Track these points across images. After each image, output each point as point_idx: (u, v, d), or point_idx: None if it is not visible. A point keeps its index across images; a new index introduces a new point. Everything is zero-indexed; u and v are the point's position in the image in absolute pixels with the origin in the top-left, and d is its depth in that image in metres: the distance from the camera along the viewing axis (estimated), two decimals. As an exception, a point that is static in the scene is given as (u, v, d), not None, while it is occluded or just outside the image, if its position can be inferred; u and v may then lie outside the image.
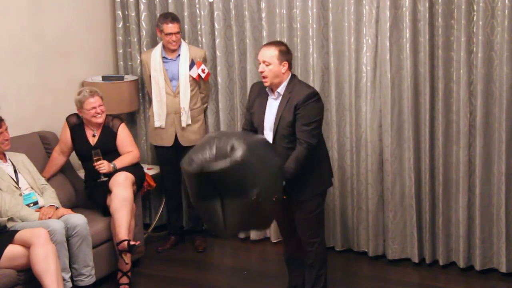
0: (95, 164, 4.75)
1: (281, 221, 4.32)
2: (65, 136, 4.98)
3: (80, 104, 4.87)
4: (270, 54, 3.98)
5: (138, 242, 4.60)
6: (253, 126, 4.19)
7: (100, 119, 4.89)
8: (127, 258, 4.59)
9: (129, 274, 4.71)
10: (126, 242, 4.53)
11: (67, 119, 5.01)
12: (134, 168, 4.93)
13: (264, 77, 4.01)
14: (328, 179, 4.25)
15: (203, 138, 3.97)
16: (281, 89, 4.02)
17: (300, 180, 4.02)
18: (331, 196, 5.19)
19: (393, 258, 5.06)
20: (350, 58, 4.97)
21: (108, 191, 4.76)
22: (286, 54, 4.00)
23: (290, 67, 4.04)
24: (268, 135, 4.07)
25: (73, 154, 5.08)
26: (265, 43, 5.15)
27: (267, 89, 4.09)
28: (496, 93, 4.61)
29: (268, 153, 3.85)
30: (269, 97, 4.09)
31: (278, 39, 5.14)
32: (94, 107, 4.85)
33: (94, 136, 4.95)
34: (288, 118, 3.96)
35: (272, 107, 4.06)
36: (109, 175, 4.80)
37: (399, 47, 4.83)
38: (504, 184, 4.63)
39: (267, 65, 3.98)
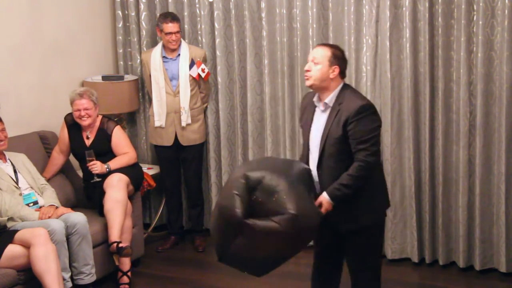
0: (88, 164, 4.76)
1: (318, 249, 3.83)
2: (63, 135, 4.98)
3: (70, 103, 4.89)
4: (322, 53, 3.52)
5: (126, 245, 4.60)
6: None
7: (84, 122, 4.87)
8: (116, 259, 4.60)
9: (129, 273, 4.71)
10: (115, 244, 4.55)
11: (65, 117, 5.02)
12: (130, 169, 4.92)
13: (307, 77, 3.54)
14: (382, 209, 3.66)
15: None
16: (330, 100, 3.52)
17: (348, 207, 3.51)
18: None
19: (393, 258, 5.06)
20: (350, 58, 4.96)
21: (104, 192, 4.76)
22: (339, 59, 3.53)
23: (342, 76, 3.56)
24: (314, 154, 3.58)
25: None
26: (264, 43, 5.18)
27: (314, 99, 3.59)
28: (496, 93, 4.61)
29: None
30: (316, 109, 3.61)
31: (278, 39, 5.15)
32: (79, 110, 4.84)
33: (88, 138, 4.95)
34: (336, 134, 3.46)
35: (320, 120, 3.57)
36: (103, 176, 4.79)
37: (399, 47, 4.83)
38: (504, 184, 4.63)
39: (315, 64, 3.52)
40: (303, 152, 3.73)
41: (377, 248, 3.70)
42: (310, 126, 3.62)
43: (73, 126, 4.97)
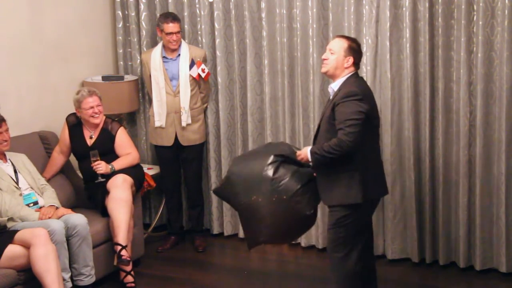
0: (93, 164, 4.76)
1: None
2: (64, 136, 4.98)
3: (78, 103, 4.87)
4: (339, 44, 3.89)
5: (128, 257, 4.59)
6: None
7: (97, 120, 4.89)
8: (115, 260, 4.60)
9: (132, 272, 4.71)
10: (119, 247, 4.55)
11: (67, 118, 5.02)
12: (133, 170, 4.93)
13: (324, 64, 3.93)
14: (363, 193, 3.84)
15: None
16: (336, 85, 3.91)
17: (329, 184, 3.89)
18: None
19: (393, 258, 5.06)
20: (350, 58, 4.97)
21: (107, 192, 4.76)
22: (355, 51, 3.89)
23: (356, 66, 3.91)
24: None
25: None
26: (264, 43, 5.18)
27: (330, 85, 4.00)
28: (496, 93, 4.61)
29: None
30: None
31: (278, 39, 5.16)
32: (92, 107, 4.85)
33: (91, 138, 4.95)
34: (328, 113, 3.86)
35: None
36: (107, 176, 4.79)
37: (399, 47, 4.83)
38: (504, 184, 4.63)
39: (331, 54, 3.90)
40: None
41: (346, 238, 3.90)
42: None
43: (75, 126, 4.97)
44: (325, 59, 3.92)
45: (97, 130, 4.96)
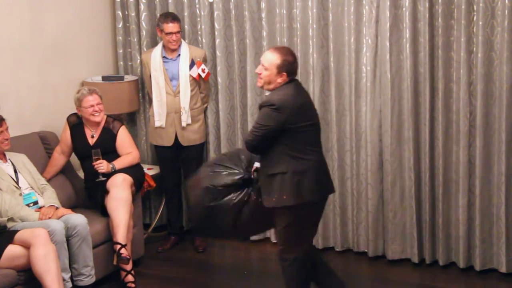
0: (94, 163, 4.76)
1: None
2: (65, 136, 4.98)
3: (78, 102, 4.88)
4: (272, 61, 3.87)
5: (127, 255, 4.59)
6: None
7: (97, 118, 4.90)
8: (115, 259, 4.60)
9: (132, 272, 4.71)
10: (119, 247, 4.55)
11: (68, 118, 5.02)
12: (133, 170, 4.93)
13: (258, 78, 3.96)
14: (296, 195, 3.85)
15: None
16: (268, 92, 4.03)
17: (266, 188, 3.93)
18: (331, 196, 5.17)
19: (393, 258, 5.06)
20: (350, 58, 4.97)
21: (106, 191, 4.76)
22: (288, 66, 3.87)
23: (289, 76, 3.90)
24: None
25: (73, 154, 5.08)
26: (264, 43, 5.17)
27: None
28: (496, 93, 4.61)
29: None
30: None
31: (278, 39, 5.15)
32: (92, 105, 4.86)
33: (92, 137, 4.95)
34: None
35: None
36: (108, 175, 4.80)
37: (399, 47, 4.83)
38: (504, 184, 4.63)
39: (265, 69, 3.89)
40: None
41: (291, 240, 3.97)
42: None
43: (76, 126, 4.98)
44: (259, 74, 3.92)
45: (99, 129, 4.97)
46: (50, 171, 4.96)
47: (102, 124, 4.98)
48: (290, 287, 4.08)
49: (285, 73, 3.87)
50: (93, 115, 4.88)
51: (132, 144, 5.06)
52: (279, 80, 3.88)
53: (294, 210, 3.87)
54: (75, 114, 5.01)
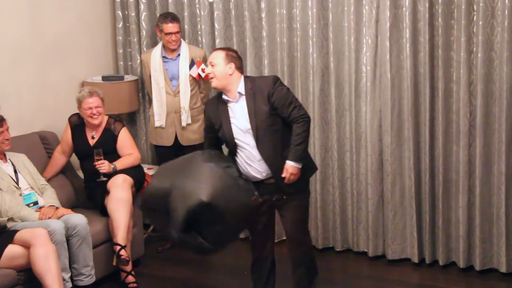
0: (96, 163, 4.76)
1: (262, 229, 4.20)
2: (67, 136, 4.99)
3: (79, 102, 4.89)
4: (216, 55, 4.00)
5: (127, 257, 4.58)
6: (218, 144, 4.16)
7: (96, 121, 4.89)
8: (115, 260, 4.60)
9: (133, 272, 4.71)
10: (118, 247, 4.55)
11: (69, 118, 5.03)
12: (134, 171, 4.93)
13: (211, 79, 4.00)
14: (313, 163, 4.22)
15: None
16: (241, 88, 3.99)
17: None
18: (331, 196, 5.19)
19: (393, 258, 5.06)
20: (350, 58, 4.97)
21: (106, 192, 4.76)
22: (233, 57, 4.01)
23: (240, 71, 4.02)
24: (247, 139, 3.98)
25: (73, 154, 5.09)
26: (264, 43, 5.18)
27: (224, 98, 4.02)
28: (496, 93, 4.61)
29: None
30: (228, 104, 4.02)
31: (278, 39, 5.16)
32: (91, 108, 4.86)
33: (93, 138, 4.96)
34: (264, 109, 3.93)
35: (237, 111, 4.00)
36: (109, 175, 4.80)
37: (399, 47, 4.83)
38: (504, 184, 4.63)
39: (213, 66, 3.98)
40: (229, 150, 4.08)
41: (305, 218, 4.19)
42: (229, 121, 4.00)
43: (77, 127, 4.98)
44: (209, 73, 4.01)
45: (100, 129, 4.97)
46: (51, 171, 4.96)
47: (103, 125, 4.98)
48: (313, 270, 4.21)
49: (233, 63, 3.98)
50: (91, 117, 4.88)
51: (133, 146, 5.06)
52: (230, 71, 3.96)
53: (308, 187, 4.14)
54: (77, 114, 5.02)
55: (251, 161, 3.98)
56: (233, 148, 4.02)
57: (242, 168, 4.01)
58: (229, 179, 3.89)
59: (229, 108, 4.02)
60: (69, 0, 5.43)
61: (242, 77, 4.02)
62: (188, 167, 3.91)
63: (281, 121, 3.96)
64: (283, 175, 3.91)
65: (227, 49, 4.10)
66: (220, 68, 3.96)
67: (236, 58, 4.03)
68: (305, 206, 4.16)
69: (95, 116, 4.88)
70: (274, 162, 3.94)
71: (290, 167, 3.90)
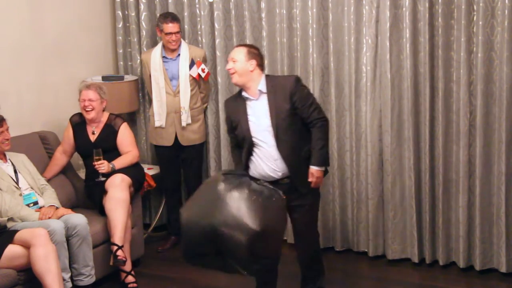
0: (95, 163, 4.76)
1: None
2: (68, 135, 4.99)
3: (79, 93, 4.92)
4: (238, 52, 4.05)
5: (123, 258, 4.58)
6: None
7: (89, 115, 4.90)
8: (111, 260, 4.60)
9: (132, 272, 4.71)
10: (115, 247, 4.55)
11: (70, 118, 5.04)
12: (133, 170, 4.92)
13: (232, 74, 4.04)
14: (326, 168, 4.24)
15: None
16: (262, 86, 4.03)
17: (304, 170, 4.03)
18: (330, 196, 5.19)
19: (393, 258, 5.06)
20: (350, 58, 4.97)
21: (105, 191, 4.76)
22: (255, 54, 4.05)
23: (261, 68, 4.07)
24: (265, 137, 4.01)
25: (75, 153, 5.09)
26: (264, 43, 5.18)
27: (243, 95, 4.07)
28: (496, 93, 4.61)
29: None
30: (247, 102, 4.06)
31: (278, 39, 5.16)
32: (84, 100, 4.88)
33: (93, 133, 4.96)
34: (285, 108, 3.96)
35: (257, 108, 4.04)
36: (108, 175, 4.80)
37: (399, 47, 4.83)
38: (504, 184, 4.63)
39: (234, 62, 4.01)
40: (244, 147, 4.06)
41: (316, 213, 4.35)
42: (247, 118, 4.03)
43: (78, 125, 4.99)
44: (230, 69, 4.04)
45: (100, 125, 4.98)
46: (51, 171, 4.96)
47: (104, 121, 4.99)
48: (321, 271, 4.30)
49: (254, 60, 4.02)
50: (84, 110, 4.89)
51: (133, 143, 5.05)
52: (251, 68, 4.00)
53: (319, 188, 4.20)
54: (78, 114, 5.03)
55: (268, 159, 4.00)
56: (250, 146, 4.03)
57: (257, 167, 4.03)
58: (259, 196, 3.83)
59: (247, 106, 4.06)
60: (69, 0, 5.43)
61: (263, 75, 4.06)
62: (216, 202, 3.80)
63: (300, 121, 4.01)
64: (309, 180, 4.00)
65: (249, 45, 4.15)
66: (241, 64, 4.00)
67: (258, 55, 4.06)
68: (317, 207, 4.22)
69: (87, 109, 4.88)
70: (292, 161, 3.99)
71: (316, 171, 3.99)
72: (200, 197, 3.98)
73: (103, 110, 4.99)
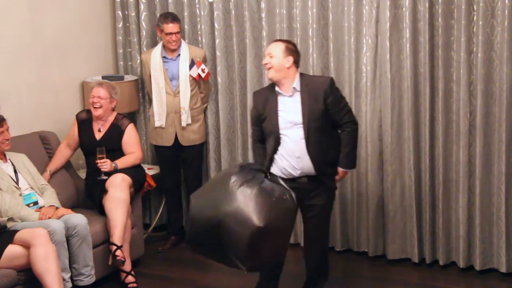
0: (98, 161, 4.76)
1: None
2: (73, 131, 5.02)
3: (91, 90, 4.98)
4: (276, 47, 4.04)
5: (122, 258, 4.58)
6: (263, 135, 4.16)
7: (96, 112, 4.91)
8: (110, 260, 4.59)
9: (132, 272, 4.71)
10: (114, 247, 4.56)
11: (77, 115, 5.07)
12: (134, 170, 4.92)
13: (268, 69, 4.04)
14: None
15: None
16: (296, 84, 4.03)
17: (330, 169, 4.11)
18: (331, 196, 5.19)
19: (393, 258, 5.06)
20: (350, 58, 4.97)
21: (105, 190, 4.76)
22: (292, 51, 4.04)
23: (296, 65, 4.06)
24: (293, 133, 4.01)
25: (76, 153, 5.10)
26: (264, 43, 5.19)
27: (276, 89, 4.07)
28: (496, 93, 4.61)
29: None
30: (279, 97, 4.07)
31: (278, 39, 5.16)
32: (93, 96, 4.90)
33: (99, 131, 4.96)
34: (318, 109, 3.98)
35: (289, 104, 4.04)
36: (109, 174, 4.80)
37: (399, 47, 4.83)
38: (504, 184, 4.63)
39: (271, 57, 4.02)
40: (270, 142, 4.08)
41: (330, 214, 4.38)
42: (277, 113, 4.04)
43: (84, 121, 5.01)
44: (266, 64, 4.04)
45: (107, 124, 4.98)
46: (55, 163, 4.97)
47: (111, 120, 5.00)
48: (326, 275, 4.35)
49: (291, 57, 4.02)
50: (93, 106, 4.92)
51: (137, 144, 5.05)
52: (287, 64, 4.00)
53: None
54: (85, 110, 5.08)
55: (290, 156, 4.02)
56: (276, 141, 4.04)
57: (277, 162, 4.04)
58: (268, 195, 3.79)
59: (279, 101, 4.06)
60: (69, 0, 5.43)
61: (298, 73, 4.07)
62: (225, 194, 3.78)
63: (330, 122, 4.03)
64: (337, 178, 4.15)
65: (287, 41, 4.14)
66: (278, 60, 4.00)
67: (295, 52, 4.07)
68: (330, 208, 4.27)
69: (95, 106, 4.90)
70: (318, 161, 4.01)
71: (343, 172, 4.15)
72: (212, 186, 4.03)
73: (113, 110, 5.00)
